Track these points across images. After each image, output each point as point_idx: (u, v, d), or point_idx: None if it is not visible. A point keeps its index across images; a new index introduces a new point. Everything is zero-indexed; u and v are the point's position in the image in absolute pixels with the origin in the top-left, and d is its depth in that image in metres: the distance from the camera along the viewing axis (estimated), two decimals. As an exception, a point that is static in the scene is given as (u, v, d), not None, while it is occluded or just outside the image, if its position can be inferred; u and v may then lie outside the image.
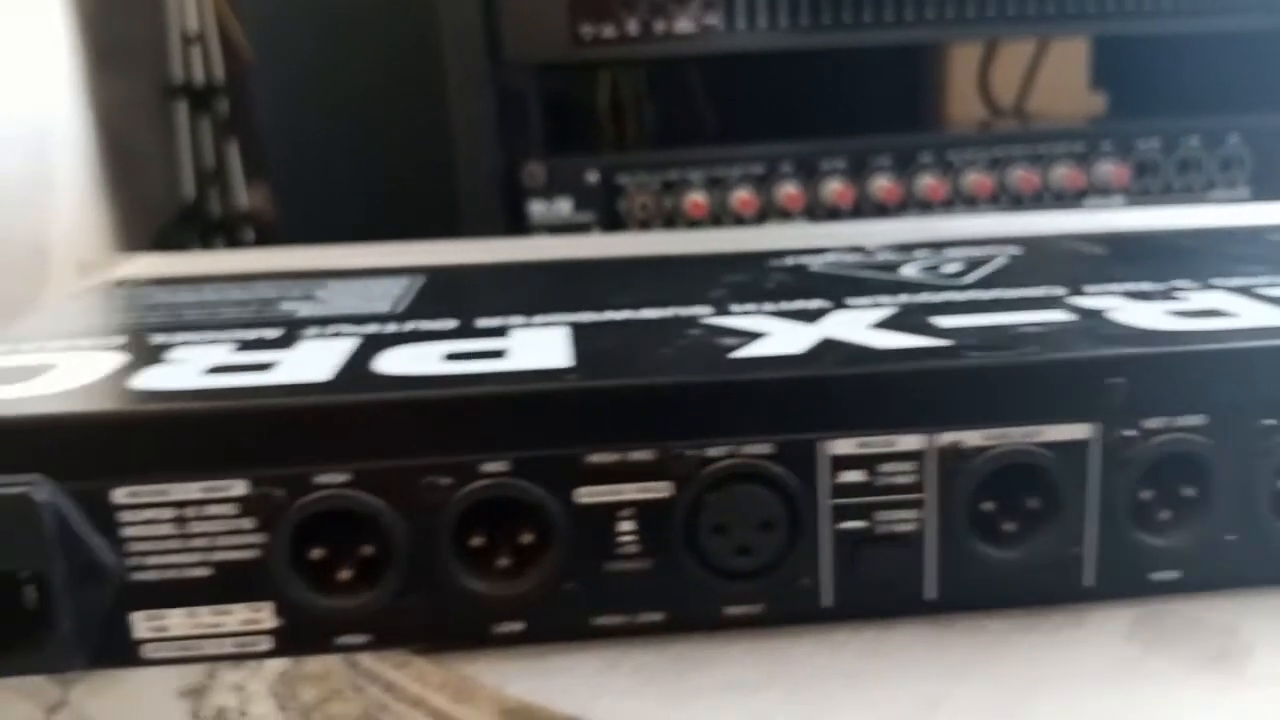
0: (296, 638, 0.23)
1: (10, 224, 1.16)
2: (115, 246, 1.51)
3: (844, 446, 0.22)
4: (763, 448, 0.22)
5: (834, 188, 0.66)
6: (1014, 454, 0.22)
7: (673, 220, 0.65)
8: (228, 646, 0.23)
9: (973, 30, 0.67)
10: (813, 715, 0.20)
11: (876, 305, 0.27)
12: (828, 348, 0.24)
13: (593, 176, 0.65)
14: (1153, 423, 0.22)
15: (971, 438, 0.22)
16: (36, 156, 1.28)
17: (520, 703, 0.21)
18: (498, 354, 0.24)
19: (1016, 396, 0.22)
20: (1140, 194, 0.68)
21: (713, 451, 0.22)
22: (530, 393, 0.22)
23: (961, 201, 0.67)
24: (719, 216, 0.65)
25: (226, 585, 0.22)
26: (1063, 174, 0.67)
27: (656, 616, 0.23)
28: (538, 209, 0.65)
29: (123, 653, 0.22)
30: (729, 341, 0.24)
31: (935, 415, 0.22)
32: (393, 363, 0.24)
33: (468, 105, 0.61)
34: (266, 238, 1.24)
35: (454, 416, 0.22)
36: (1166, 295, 0.27)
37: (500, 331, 0.26)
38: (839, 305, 0.28)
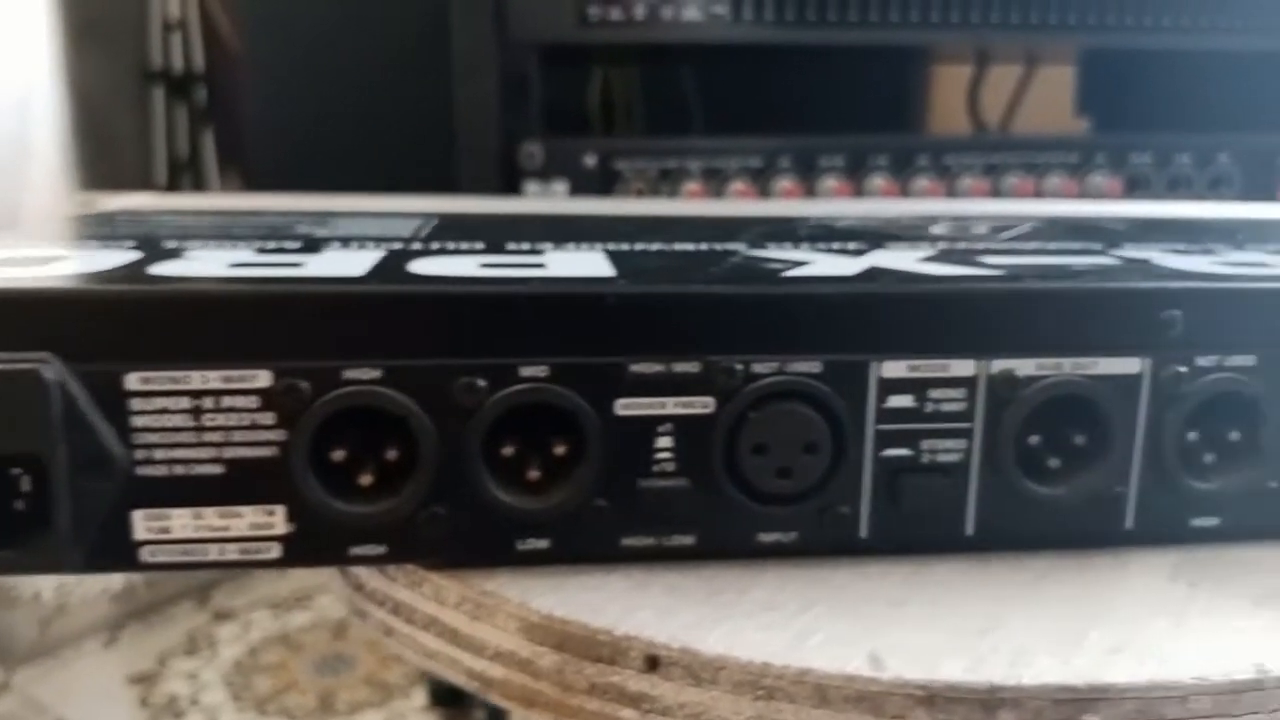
0: (308, 546, 0.21)
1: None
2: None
3: (894, 369, 0.21)
4: (811, 366, 0.21)
5: (831, 184, 0.65)
6: (1065, 384, 0.22)
7: (668, 209, 0.64)
8: (232, 553, 0.21)
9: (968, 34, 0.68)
10: (859, 634, 0.19)
11: (917, 247, 0.27)
12: (878, 273, 0.23)
13: (590, 160, 0.65)
14: (1204, 360, 0.22)
15: (1024, 366, 0.22)
16: (16, 126, 1.25)
17: (546, 617, 0.20)
18: (536, 266, 0.23)
19: (1071, 326, 0.22)
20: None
21: (759, 367, 0.21)
22: (574, 295, 0.21)
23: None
24: (715, 208, 0.65)
25: (238, 485, 0.21)
26: (1057, 183, 0.67)
27: (688, 540, 0.22)
28: (533, 191, 0.65)
29: (120, 555, 0.21)
30: (775, 266, 0.24)
31: (989, 341, 0.22)
32: (429, 266, 0.23)
33: (473, 84, 0.61)
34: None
35: (494, 315, 0.21)
36: (1205, 252, 0.27)
37: (534, 252, 0.25)
38: (877, 246, 0.27)
